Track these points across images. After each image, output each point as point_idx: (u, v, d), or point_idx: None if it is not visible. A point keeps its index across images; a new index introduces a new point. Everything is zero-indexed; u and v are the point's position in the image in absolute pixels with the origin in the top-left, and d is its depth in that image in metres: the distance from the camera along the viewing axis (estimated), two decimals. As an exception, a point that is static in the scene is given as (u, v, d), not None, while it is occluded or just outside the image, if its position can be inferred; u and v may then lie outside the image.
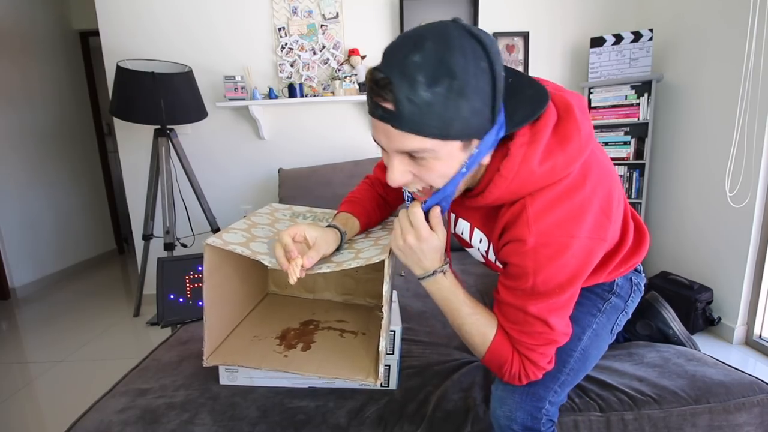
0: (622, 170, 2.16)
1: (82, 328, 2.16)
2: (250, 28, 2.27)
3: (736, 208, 1.72)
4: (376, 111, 0.54)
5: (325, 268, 0.69)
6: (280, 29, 2.25)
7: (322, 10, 2.24)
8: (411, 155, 0.56)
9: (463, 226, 0.76)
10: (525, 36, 2.29)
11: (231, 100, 2.21)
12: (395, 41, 0.53)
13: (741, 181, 1.70)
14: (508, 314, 0.66)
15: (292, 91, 2.23)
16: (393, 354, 0.84)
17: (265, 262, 0.68)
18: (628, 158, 2.13)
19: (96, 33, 2.34)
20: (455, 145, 0.54)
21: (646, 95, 2.04)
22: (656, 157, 2.18)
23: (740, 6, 1.66)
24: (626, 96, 2.09)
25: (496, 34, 2.27)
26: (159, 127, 2.03)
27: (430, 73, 0.49)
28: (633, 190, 2.15)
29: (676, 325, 1.04)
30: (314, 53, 2.27)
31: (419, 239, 0.64)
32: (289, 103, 2.29)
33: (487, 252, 0.74)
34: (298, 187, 2.10)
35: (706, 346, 1.71)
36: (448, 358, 0.97)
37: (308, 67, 2.28)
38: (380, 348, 0.71)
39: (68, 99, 3.22)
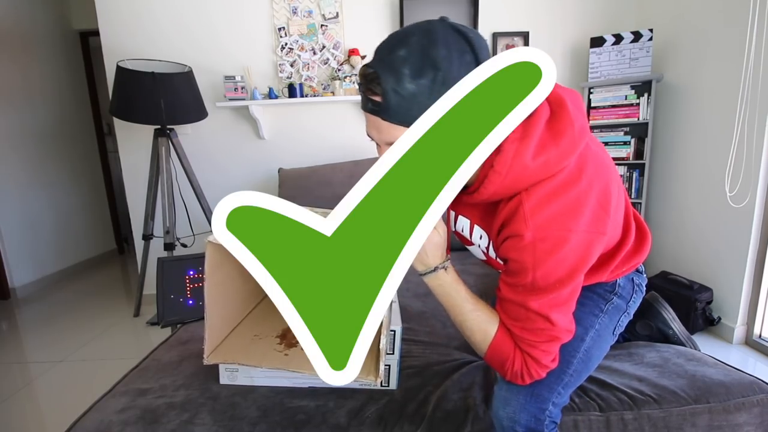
0: (622, 170, 2.16)
1: (82, 328, 2.16)
2: (250, 28, 2.27)
3: (736, 208, 1.72)
4: (366, 105, 0.57)
5: None
6: (280, 29, 2.25)
7: (322, 10, 2.24)
8: None
9: (463, 223, 0.76)
10: (525, 36, 2.29)
11: (231, 100, 2.21)
12: (385, 39, 0.56)
13: (741, 181, 1.70)
14: (509, 311, 0.66)
15: (292, 91, 2.23)
16: (393, 354, 0.84)
17: None
18: (628, 158, 2.13)
19: (96, 33, 2.34)
20: None
21: (646, 95, 2.04)
22: (656, 157, 2.18)
23: (740, 6, 1.66)
24: (626, 96, 2.09)
25: (496, 35, 2.28)
26: (159, 127, 2.03)
27: (414, 66, 0.51)
28: (633, 190, 2.15)
29: (676, 325, 1.04)
30: (314, 53, 2.27)
31: None
32: (289, 103, 2.29)
33: (487, 249, 0.74)
34: (298, 187, 2.10)
35: (706, 346, 1.71)
36: (448, 358, 0.97)
37: (308, 67, 2.29)
38: (381, 346, 0.71)
39: (68, 99, 3.22)
